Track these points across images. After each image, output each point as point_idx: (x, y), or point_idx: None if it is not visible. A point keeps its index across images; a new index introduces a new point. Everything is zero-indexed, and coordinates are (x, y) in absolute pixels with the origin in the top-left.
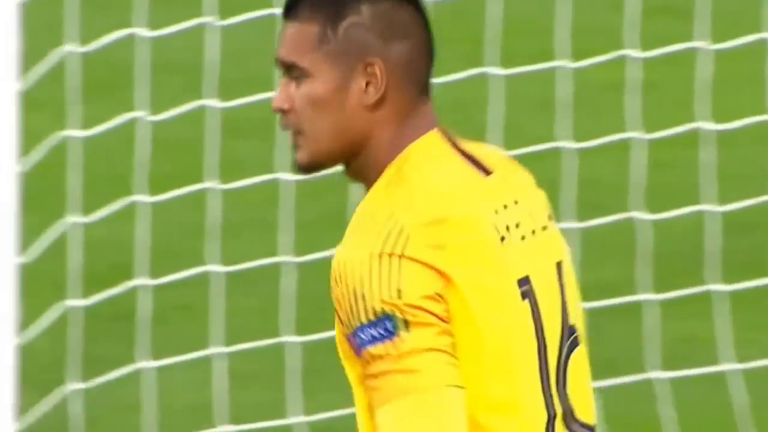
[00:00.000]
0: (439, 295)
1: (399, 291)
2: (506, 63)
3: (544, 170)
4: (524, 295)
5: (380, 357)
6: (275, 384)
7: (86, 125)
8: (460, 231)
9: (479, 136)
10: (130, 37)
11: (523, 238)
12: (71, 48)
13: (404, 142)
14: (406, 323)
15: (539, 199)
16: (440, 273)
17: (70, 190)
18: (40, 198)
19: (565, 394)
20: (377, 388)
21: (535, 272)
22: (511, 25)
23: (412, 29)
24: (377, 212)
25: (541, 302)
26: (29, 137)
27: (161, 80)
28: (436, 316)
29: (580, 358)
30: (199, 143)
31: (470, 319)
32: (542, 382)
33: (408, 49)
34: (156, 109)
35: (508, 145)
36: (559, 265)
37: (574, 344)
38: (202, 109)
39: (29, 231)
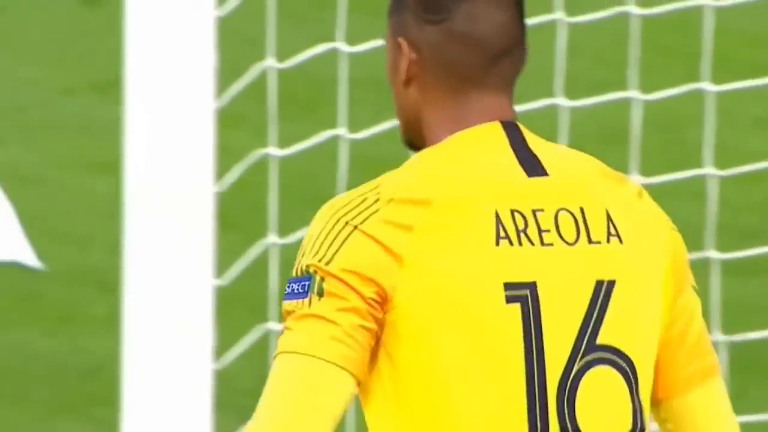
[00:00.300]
0: (372, 279)
1: (331, 259)
2: (722, 78)
3: (761, 191)
4: (513, 299)
5: (288, 313)
6: None
7: (285, 143)
8: (440, 217)
9: (693, 154)
10: (331, 52)
11: (548, 244)
12: (270, 63)
13: (449, 129)
14: (322, 290)
15: (624, 217)
16: (393, 254)
17: (269, 210)
18: (237, 218)
19: (571, 414)
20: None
21: (548, 281)
22: (728, 38)
23: (455, 15)
24: (376, 180)
25: (548, 312)
26: (227, 155)
27: (362, 96)
28: (359, 294)
29: (605, 381)
30: (402, 161)
31: (426, 309)
32: (529, 391)
33: (439, 34)
34: (357, 126)
35: (722, 163)
36: (605, 283)
37: (597, 363)
38: None
39: (226, 252)
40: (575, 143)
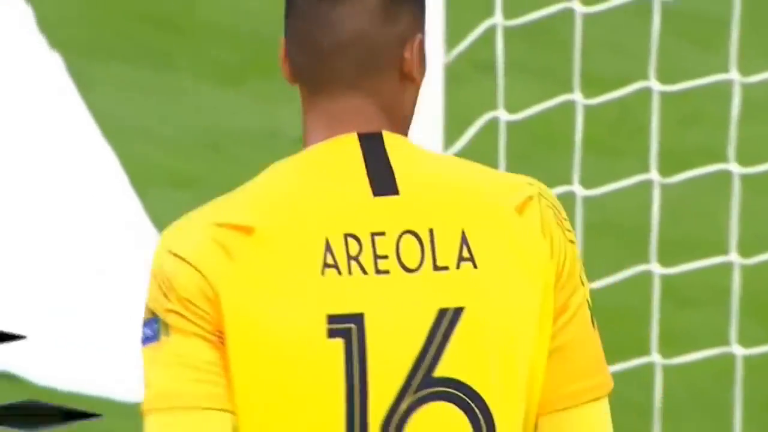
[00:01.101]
0: (203, 309)
1: (167, 294)
2: None
3: None
4: (335, 333)
5: (145, 361)
6: None
7: None
8: (262, 246)
9: None
10: (569, 194)
11: (383, 272)
12: None
13: (316, 137)
14: (167, 327)
15: (487, 237)
16: (212, 288)
17: None
18: None
19: None
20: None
21: (378, 312)
22: None
23: (292, 13)
24: (207, 207)
25: (375, 345)
26: None
27: (599, 243)
28: (200, 325)
29: (440, 417)
30: (644, 312)
31: (243, 349)
32: (348, 428)
33: (286, 34)
34: (597, 274)
35: None
36: (450, 312)
37: (432, 399)
38: (646, 275)
39: None
40: None
